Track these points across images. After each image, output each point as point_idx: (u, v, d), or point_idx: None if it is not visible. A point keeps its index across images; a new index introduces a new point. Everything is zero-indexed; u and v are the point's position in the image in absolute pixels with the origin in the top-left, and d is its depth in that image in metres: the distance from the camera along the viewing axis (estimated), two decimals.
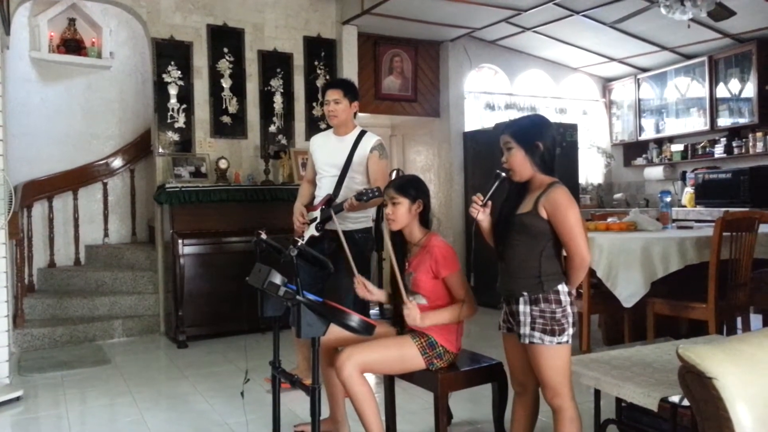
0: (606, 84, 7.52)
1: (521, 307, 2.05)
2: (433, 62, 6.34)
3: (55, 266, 5.30)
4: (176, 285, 4.51)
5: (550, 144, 2.10)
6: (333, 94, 3.29)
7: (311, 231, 3.25)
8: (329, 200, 3.26)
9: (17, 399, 3.27)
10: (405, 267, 2.47)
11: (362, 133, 3.32)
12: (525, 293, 2.04)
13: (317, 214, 3.26)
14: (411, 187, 2.46)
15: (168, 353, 4.34)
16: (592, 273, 3.54)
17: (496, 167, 2.13)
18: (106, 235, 5.61)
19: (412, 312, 2.28)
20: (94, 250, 5.51)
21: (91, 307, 4.82)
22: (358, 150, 3.27)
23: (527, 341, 2.04)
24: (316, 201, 3.34)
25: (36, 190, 5.12)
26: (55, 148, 5.45)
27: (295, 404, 3.04)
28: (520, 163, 2.08)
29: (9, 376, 3.53)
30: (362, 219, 3.32)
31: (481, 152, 5.93)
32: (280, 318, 2.49)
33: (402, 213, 2.43)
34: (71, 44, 5.56)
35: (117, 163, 5.69)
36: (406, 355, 2.31)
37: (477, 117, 6.55)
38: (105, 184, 5.61)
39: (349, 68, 5.61)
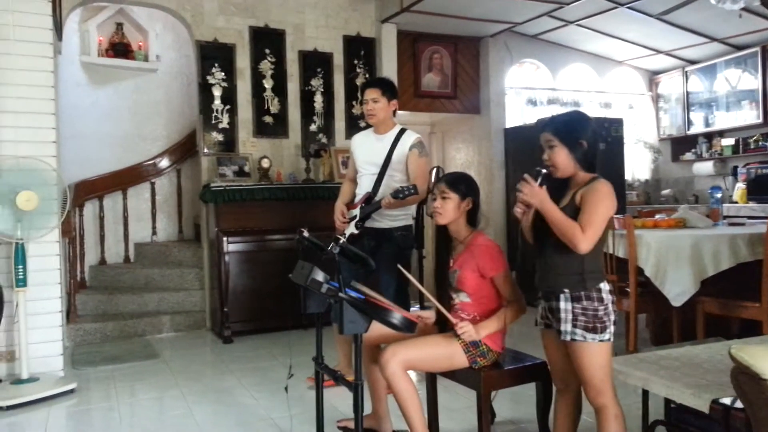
0: (652, 77, 7.32)
1: (562, 304, 2.03)
2: (473, 58, 6.29)
3: (106, 263, 5.49)
4: (221, 282, 4.62)
5: (593, 140, 2.07)
6: (371, 93, 3.30)
7: (351, 229, 3.27)
8: (368, 198, 3.27)
9: (71, 391, 3.40)
10: (450, 264, 2.46)
11: (402, 131, 3.32)
12: (566, 290, 2.02)
13: (357, 212, 3.28)
14: (462, 183, 2.44)
15: (214, 348, 4.45)
16: (639, 271, 3.46)
17: (539, 164, 2.11)
18: (154, 233, 5.78)
19: (467, 329, 2.25)
20: (142, 248, 5.68)
21: (140, 303, 4.98)
22: (397, 148, 3.27)
23: (568, 338, 2.02)
24: (357, 199, 3.37)
25: (87, 190, 5.31)
26: (105, 149, 5.63)
27: (338, 400, 3.07)
28: (563, 161, 2.05)
29: (63, 369, 3.69)
30: (402, 217, 3.32)
31: (523, 149, 5.85)
32: (322, 315, 2.53)
33: (450, 208, 2.41)
34: (119, 48, 5.74)
35: (164, 163, 5.85)
36: (450, 353, 2.30)
37: (518, 113, 6.47)
38: (153, 184, 5.78)
39: (389, 66, 5.61)
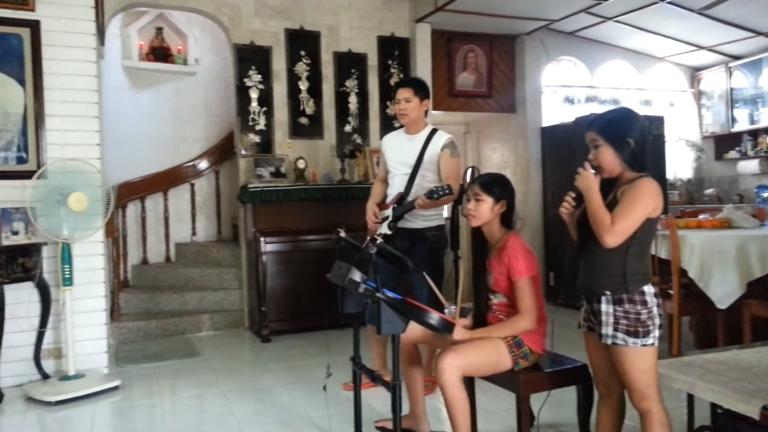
0: (694, 73, 7.13)
1: (603, 307, 1.98)
2: (509, 56, 6.23)
3: (148, 263, 5.62)
4: (259, 281, 4.68)
5: (640, 138, 2.00)
6: (403, 93, 3.29)
7: (383, 229, 3.27)
8: (401, 198, 3.27)
9: (115, 388, 3.50)
10: (486, 266, 2.44)
11: (433, 132, 3.31)
12: (607, 292, 1.98)
13: (389, 212, 3.28)
14: (497, 185, 2.42)
15: (252, 347, 4.52)
16: (683, 273, 3.37)
17: (577, 163, 2.06)
18: (194, 233, 5.89)
19: (457, 330, 2.26)
20: (183, 248, 5.80)
21: (181, 301, 5.09)
22: (429, 148, 3.26)
23: (609, 342, 1.98)
24: (388, 200, 3.37)
25: (130, 191, 5.45)
26: (147, 151, 5.77)
27: (375, 400, 3.08)
28: (609, 161, 2.00)
29: (108, 367, 3.80)
30: (434, 217, 3.31)
31: (561, 147, 5.76)
32: (359, 315, 2.54)
33: (484, 211, 2.39)
34: (159, 52, 5.87)
35: (203, 164, 5.96)
36: (498, 356, 2.27)
37: (555, 111, 6.38)
38: (192, 185, 5.89)
39: (423, 66, 5.61)
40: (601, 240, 1.91)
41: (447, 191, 2.98)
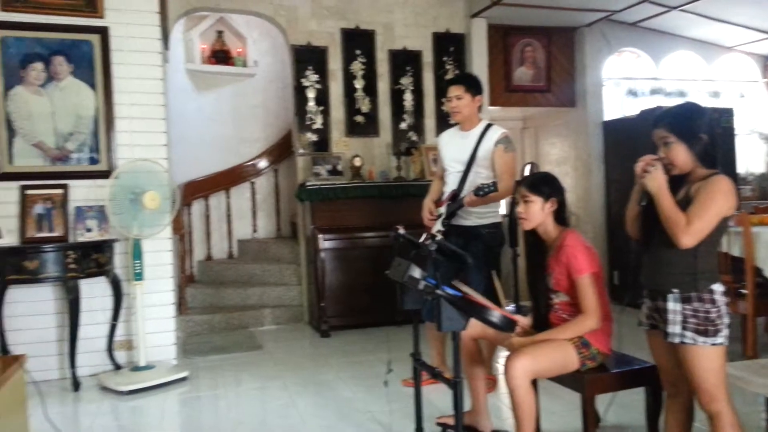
0: (767, 63, 6.75)
1: (671, 305, 1.92)
2: (568, 49, 6.08)
3: (212, 259, 5.81)
4: (317, 277, 4.76)
5: (711, 133, 1.93)
6: (455, 90, 3.26)
7: (438, 226, 3.26)
8: (454, 196, 3.25)
9: (184, 379, 3.63)
10: (546, 267, 2.40)
11: (488, 127, 3.26)
12: (675, 290, 1.91)
13: (443, 209, 3.27)
14: (544, 184, 2.37)
15: (312, 341, 4.60)
16: (757, 272, 3.21)
17: (641, 156, 1.99)
18: (254, 230, 6.04)
19: (517, 339, 2.26)
20: (244, 244, 5.96)
21: (243, 296, 5.23)
22: (482, 144, 3.22)
23: (677, 341, 1.91)
24: (443, 197, 3.35)
25: (194, 190, 5.65)
26: (209, 151, 5.95)
27: (436, 397, 3.08)
28: (682, 159, 1.93)
29: (176, 358, 3.95)
30: (489, 214, 3.26)
31: (624, 142, 5.58)
32: (419, 311, 2.55)
33: (534, 212, 2.35)
34: (220, 55, 6.05)
35: (262, 164, 6.10)
36: (568, 358, 2.23)
37: (618, 105, 6.19)
38: (253, 184, 6.04)
39: (479, 61, 5.55)
40: (676, 241, 1.86)
41: (492, 188, 2.94)
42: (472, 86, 3.28)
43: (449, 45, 5.57)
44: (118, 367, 3.74)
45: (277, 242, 5.84)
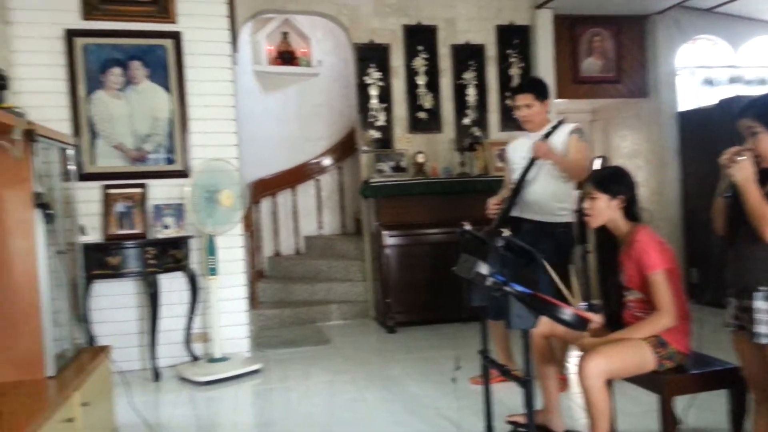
0: None
1: (758, 303, 1.83)
2: (639, 38, 5.85)
3: (280, 255, 5.95)
4: (382, 274, 4.79)
5: None
6: (524, 99, 3.21)
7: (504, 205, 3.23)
8: (519, 183, 3.20)
9: (256, 371, 3.74)
10: (618, 263, 2.33)
11: (559, 123, 3.22)
12: (763, 288, 1.82)
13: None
14: (612, 181, 2.30)
15: (378, 337, 4.65)
16: None
17: (720, 148, 1.90)
18: (320, 227, 6.15)
19: (587, 340, 2.20)
20: (311, 241, 6.08)
21: (311, 292, 5.34)
22: (553, 136, 3.15)
23: (765, 341, 1.81)
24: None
25: (263, 188, 5.81)
26: (276, 150, 6.09)
27: (505, 395, 3.05)
28: None
29: (249, 351, 4.08)
30: (564, 213, 3.19)
31: (701, 133, 5.31)
32: (486, 308, 2.52)
33: (600, 209, 2.28)
34: (285, 56, 6.18)
35: (327, 161, 6.20)
36: (642, 358, 2.16)
37: (693, 94, 5.90)
38: (318, 181, 6.15)
39: (545, 54, 5.43)
40: (763, 235, 1.77)
41: (562, 121, 2.94)
42: (541, 93, 3.24)
43: (513, 38, 5.47)
44: (195, 358, 3.90)
45: (342, 239, 5.92)
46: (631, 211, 2.29)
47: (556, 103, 5.46)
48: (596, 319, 2.36)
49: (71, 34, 3.81)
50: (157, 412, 3.15)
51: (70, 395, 2.12)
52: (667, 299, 2.15)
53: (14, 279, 2.22)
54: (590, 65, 5.76)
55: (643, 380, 2.22)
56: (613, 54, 5.78)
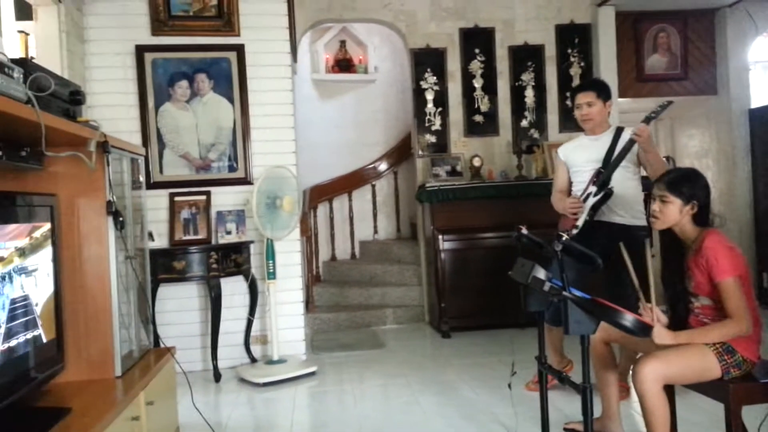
0: None
1: None
2: (707, 33, 5.60)
3: (336, 259, 6.04)
4: (437, 278, 4.78)
5: None
6: (585, 97, 3.13)
7: (588, 205, 3.04)
8: (599, 174, 3.06)
9: (312, 373, 3.81)
10: (684, 269, 2.24)
11: (620, 129, 3.12)
12: None
13: (590, 189, 3.07)
14: (686, 184, 2.19)
15: (433, 342, 4.64)
16: None
17: None
18: (375, 231, 6.20)
19: (659, 332, 2.07)
20: (366, 246, 6.14)
21: (366, 296, 5.39)
22: (620, 142, 3.05)
23: None
24: (578, 194, 3.16)
25: (320, 194, 5.91)
26: (333, 156, 6.18)
27: (562, 402, 2.98)
28: None
29: (305, 353, 4.16)
30: (643, 215, 3.07)
31: None
32: (543, 313, 2.48)
33: (670, 213, 2.19)
34: (343, 64, 6.28)
35: (383, 166, 6.25)
36: (706, 365, 2.07)
37: (766, 90, 5.60)
38: (373, 186, 6.20)
39: (607, 52, 5.28)
40: None
41: (666, 104, 2.81)
42: (603, 92, 3.15)
43: (573, 37, 5.36)
44: (253, 360, 4.02)
45: (398, 243, 5.95)
46: (702, 216, 2.20)
47: (619, 102, 5.31)
48: (663, 319, 2.26)
49: (141, 50, 4.01)
50: (217, 412, 3.26)
51: (136, 394, 2.24)
52: (741, 307, 2.06)
53: (88, 283, 2.36)
54: (655, 62, 5.56)
55: (707, 388, 2.13)
56: (680, 50, 5.56)
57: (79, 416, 1.92)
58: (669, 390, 2.40)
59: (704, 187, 2.21)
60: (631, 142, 2.93)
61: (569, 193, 3.26)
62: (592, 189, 3.07)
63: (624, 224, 3.06)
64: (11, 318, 1.87)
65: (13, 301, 1.89)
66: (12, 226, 1.93)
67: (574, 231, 3.03)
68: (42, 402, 2.08)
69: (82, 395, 2.14)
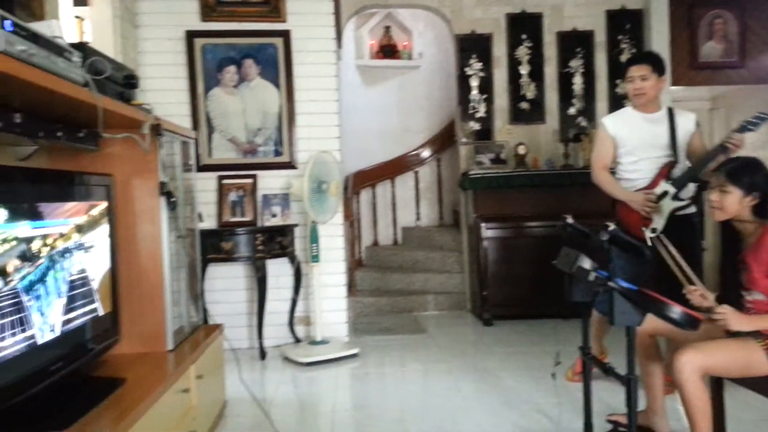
0: None
1: None
2: (767, 19, 5.36)
3: (378, 245, 6.08)
4: (480, 266, 4.77)
5: None
6: (639, 70, 2.98)
7: (669, 205, 2.88)
8: (671, 166, 2.93)
9: (354, 355, 3.87)
10: (739, 261, 2.18)
11: (671, 110, 3.00)
12: None
13: (664, 186, 2.92)
14: (747, 174, 2.11)
15: (475, 329, 4.63)
16: None
17: None
18: (417, 218, 6.21)
19: (729, 317, 2.00)
20: (408, 232, 6.16)
21: (407, 282, 5.42)
22: (679, 129, 2.95)
23: None
24: (634, 184, 3.04)
25: (363, 179, 5.96)
26: (376, 142, 6.22)
27: (605, 393, 2.95)
28: None
29: (347, 336, 4.23)
30: (690, 202, 2.96)
31: None
32: (588, 304, 2.45)
33: (730, 204, 2.11)
34: (387, 50, 6.28)
35: (426, 153, 6.24)
36: (752, 359, 2.02)
37: None
38: (416, 173, 6.20)
39: (659, 38, 5.12)
40: None
41: (765, 116, 2.62)
42: (658, 66, 3.00)
43: (625, 22, 5.21)
44: (297, 340, 4.10)
45: (440, 230, 5.95)
46: (763, 208, 2.12)
47: (672, 91, 5.14)
48: (709, 297, 2.21)
49: (191, 35, 4.10)
50: (263, 389, 3.35)
51: (186, 368, 2.32)
52: None
53: (142, 261, 2.46)
54: (710, 50, 5.35)
55: (756, 384, 2.07)
56: (737, 36, 5.33)
57: (133, 387, 2.01)
58: (717, 384, 2.35)
59: (766, 178, 2.13)
60: (723, 149, 2.73)
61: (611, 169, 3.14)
62: (667, 187, 2.90)
63: (685, 214, 2.95)
64: (71, 291, 1.96)
65: (72, 275, 1.98)
66: (71, 204, 2.02)
67: (650, 233, 2.87)
68: (99, 372, 2.18)
69: (135, 367, 2.23)
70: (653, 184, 2.97)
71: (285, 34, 4.15)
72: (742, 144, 2.69)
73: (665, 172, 2.95)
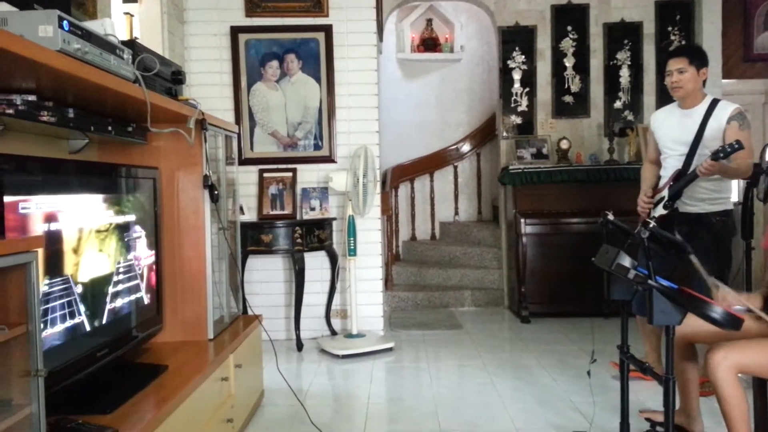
0: None
1: None
2: None
3: (416, 239, 6.09)
4: (518, 262, 4.72)
5: None
6: (676, 63, 2.91)
7: (658, 210, 2.98)
8: (678, 175, 2.94)
9: (390, 349, 3.90)
10: None
11: (714, 103, 2.89)
12: None
13: (665, 192, 2.98)
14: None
15: (512, 326, 4.60)
16: None
17: None
18: (456, 213, 6.19)
19: None
20: (446, 227, 6.14)
21: (444, 277, 5.41)
22: (710, 122, 2.86)
23: None
24: (662, 182, 3.05)
25: (401, 173, 5.96)
26: (416, 136, 6.21)
27: (642, 393, 2.90)
28: None
29: (383, 330, 4.26)
30: (720, 200, 2.91)
31: None
32: (627, 302, 2.40)
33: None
34: (428, 43, 6.25)
35: (465, 147, 6.20)
36: None
37: None
38: (455, 167, 6.17)
39: (711, 29, 4.94)
40: None
41: (737, 146, 2.58)
42: (696, 58, 2.91)
43: (675, 13, 5.05)
44: (334, 333, 4.15)
45: (478, 225, 5.90)
46: None
47: (723, 84, 4.97)
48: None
49: (236, 31, 4.18)
50: (299, 379, 3.42)
51: (226, 357, 2.39)
52: None
53: (185, 252, 2.54)
54: (765, 41, 5.14)
55: None
56: None
57: (175, 373, 2.09)
58: (761, 385, 2.28)
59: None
60: (693, 175, 2.80)
61: (659, 164, 3.12)
62: (665, 192, 2.96)
63: (697, 212, 2.92)
64: (118, 280, 2.05)
65: (120, 264, 2.07)
66: (120, 195, 2.11)
67: (643, 234, 2.90)
68: (142, 358, 2.27)
69: (177, 355, 2.31)
70: (662, 187, 3.01)
71: (327, 29, 4.19)
72: (710, 169, 2.69)
73: (673, 179, 2.96)
